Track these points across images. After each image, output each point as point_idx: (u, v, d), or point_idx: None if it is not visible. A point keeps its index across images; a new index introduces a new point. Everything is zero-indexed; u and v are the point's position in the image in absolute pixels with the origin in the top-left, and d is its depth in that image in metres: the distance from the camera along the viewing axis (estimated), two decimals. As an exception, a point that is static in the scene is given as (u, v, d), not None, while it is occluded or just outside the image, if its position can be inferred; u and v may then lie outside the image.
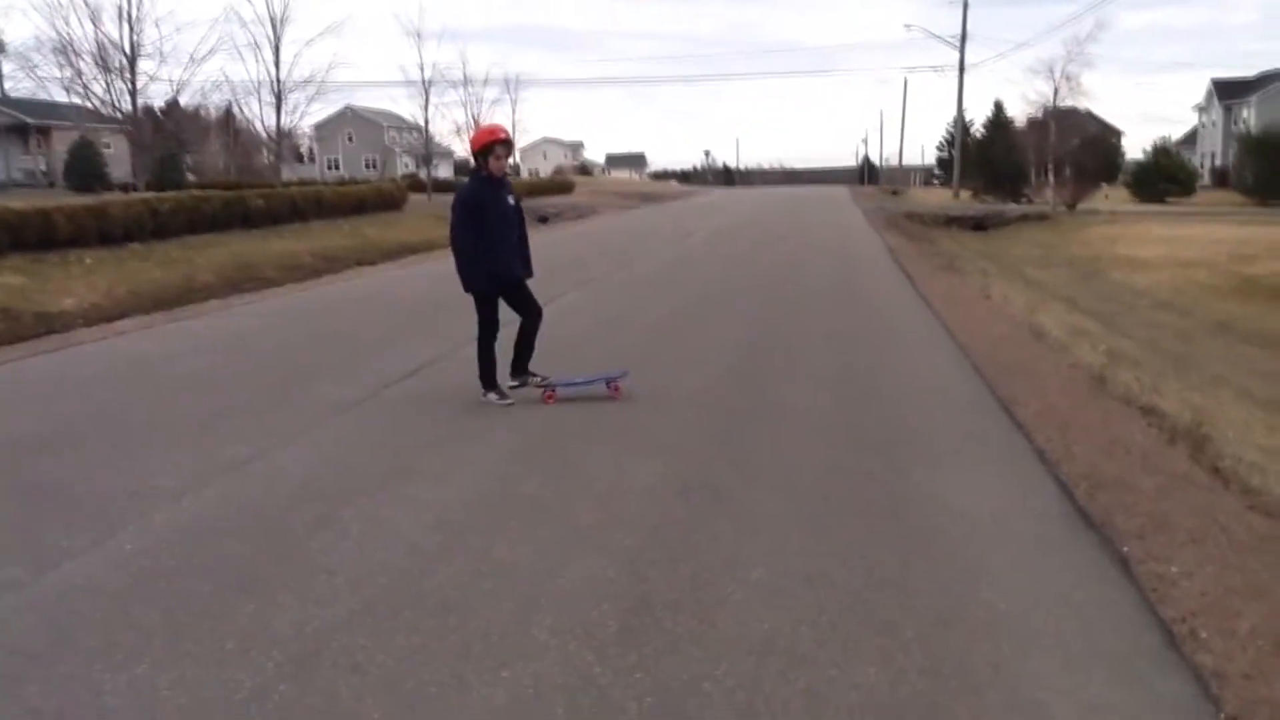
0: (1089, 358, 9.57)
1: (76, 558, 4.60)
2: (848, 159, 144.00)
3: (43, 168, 50.02)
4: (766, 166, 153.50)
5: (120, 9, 26.25)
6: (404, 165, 75.93)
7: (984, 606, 4.02)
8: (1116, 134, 69.98)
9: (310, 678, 3.47)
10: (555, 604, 4.04)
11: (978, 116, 66.44)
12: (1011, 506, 5.28)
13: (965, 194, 56.81)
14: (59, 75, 28.87)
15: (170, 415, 7.37)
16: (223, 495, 5.50)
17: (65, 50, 26.92)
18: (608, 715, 3.24)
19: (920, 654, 3.61)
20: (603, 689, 3.39)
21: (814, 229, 31.11)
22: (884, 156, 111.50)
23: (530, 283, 7.81)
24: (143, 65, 26.99)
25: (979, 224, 37.10)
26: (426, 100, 44.19)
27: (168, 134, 39.06)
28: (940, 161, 76.70)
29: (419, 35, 49.14)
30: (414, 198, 36.32)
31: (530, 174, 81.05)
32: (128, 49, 26.43)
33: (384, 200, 31.67)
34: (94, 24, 26.37)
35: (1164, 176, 51.69)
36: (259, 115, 41.60)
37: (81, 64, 26.96)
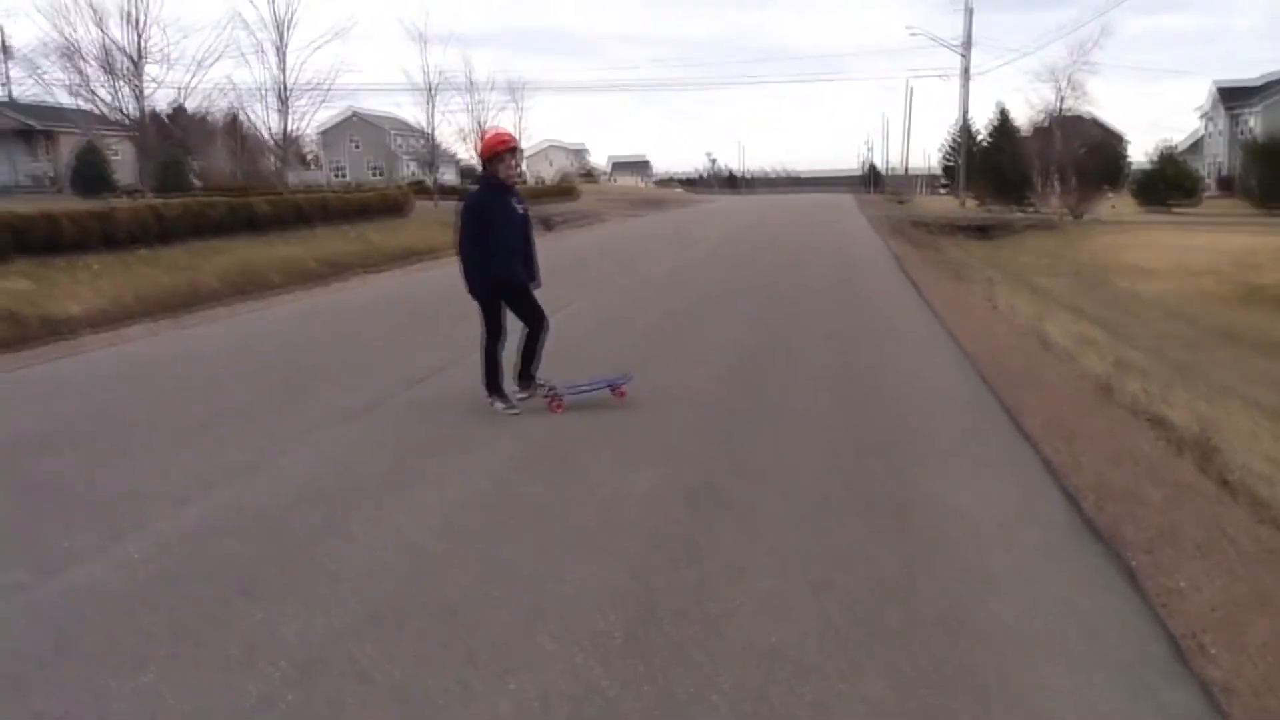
0: (1096, 367, 9.55)
1: (82, 562, 4.60)
2: (851, 162, 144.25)
3: (49, 172, 50.15)
4: (770, 172, 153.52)
5: (126, 13, 26.32)
6: (409, 170, 76.04)
7: (991, 617, 4.01)
8: (1121, 140, 69.92)
9: (316, 685, 3.46)
10: (561, 611, 4.03)
11: (982, 122, 66.31)
12: (1018, 517, 5.26)
13: (970, 201, 56.76)
14: (65, 80, 28.99)
15: (176, 420, 7.37)
16: (228, 500, 5.50)
17: (71, 55, 27.05)
18: (614, 726, 3.23)
19: (927, 664, 3.59)
20: (610, 700, 3.38)
21: (819, 236, 31.09)
22: (888, 163, 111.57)
23: (539, 287, 7.80)
24: (149, 70, 27.12)
25: (984, 232, 37.09)
26: (431, 105, 44.33)
27: (173, 139, 39.29)
28: (945, 168, 76.57)
29: (424, 40, 49.21)
30: (419, 203, 36.34)
31: (536, 180, 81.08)
32: (133, 53, 26.50)
33: (389, 205, 31.71)
34: (100, 28, 26.50)
35: (1169, 183, 51.61)
36: (264, 120, 41.77)
37: (87, 68, 27.11)
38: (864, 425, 7.24)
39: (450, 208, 33.53)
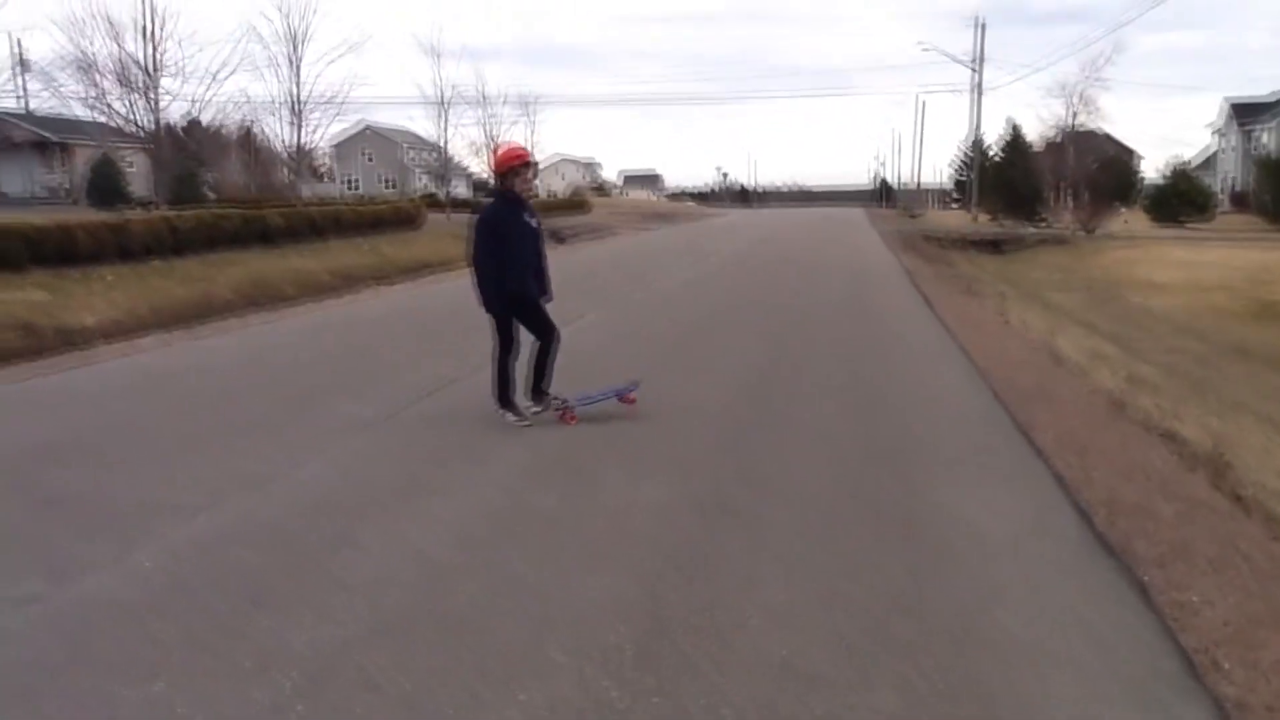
0: (1108, 382, 9.52)
1: (95, 571, 4.62)
2: (862, 177, 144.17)
3: (64, 184, 50.52)
4: (782, 186, 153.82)
5: (143, 28, 26.52)
6: (421, 183, 76.32)
7: (1002, 631, 4.00)
8: (1134, 156, 69.83)
9: (327, 696, 3.47)
10: (572, 624, 4.03)
11: (994, 138, 66.30)
12: (1030, 531, 5.24)
13: (982, 216, 56.71)
14: (81, 93, 29.21)
15: (189, 431, 7.40)
16: (241, 511, 5.52)
17: (88, 68, 27.24)
18: (624, 738, 3.23)
19: (938, 678, 3.58)
20: (620, 712, 3.37)
21: (831, 251, 31.09)
22: (899, 178, 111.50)
23: (551, 301, 7.82)
24: (164, 83, 27.32)
25: (997, 246, 37.04)
26: (444, 119, 44.47)
27: (188, 151, 39.47)
28: (957, 183, 76.57)
29: (437, 54, 49.34)
30: (431, 216, 36.47)
31: (548, 193, 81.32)
32: (149, 67, 26.70)
33: (402, 218, 31.85)
34: (117, 42, 26.69)
35: (1181, 199, 51.49)
36: (278, 133, 41.95)
37: (104, 82, 27.30)
38: (875, 438, 7.23)
39: (462, 220, 33.62)
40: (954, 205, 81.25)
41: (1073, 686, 3.56)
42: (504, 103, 51.65)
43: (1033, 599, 4.35)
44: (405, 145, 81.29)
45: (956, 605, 4.25)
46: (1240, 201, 58.64)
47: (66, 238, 16.83)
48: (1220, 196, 62.69)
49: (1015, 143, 60.70)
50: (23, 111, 45.58)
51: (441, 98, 43.75)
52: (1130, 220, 48.55)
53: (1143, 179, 64.30)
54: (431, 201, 45.09)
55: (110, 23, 26.88)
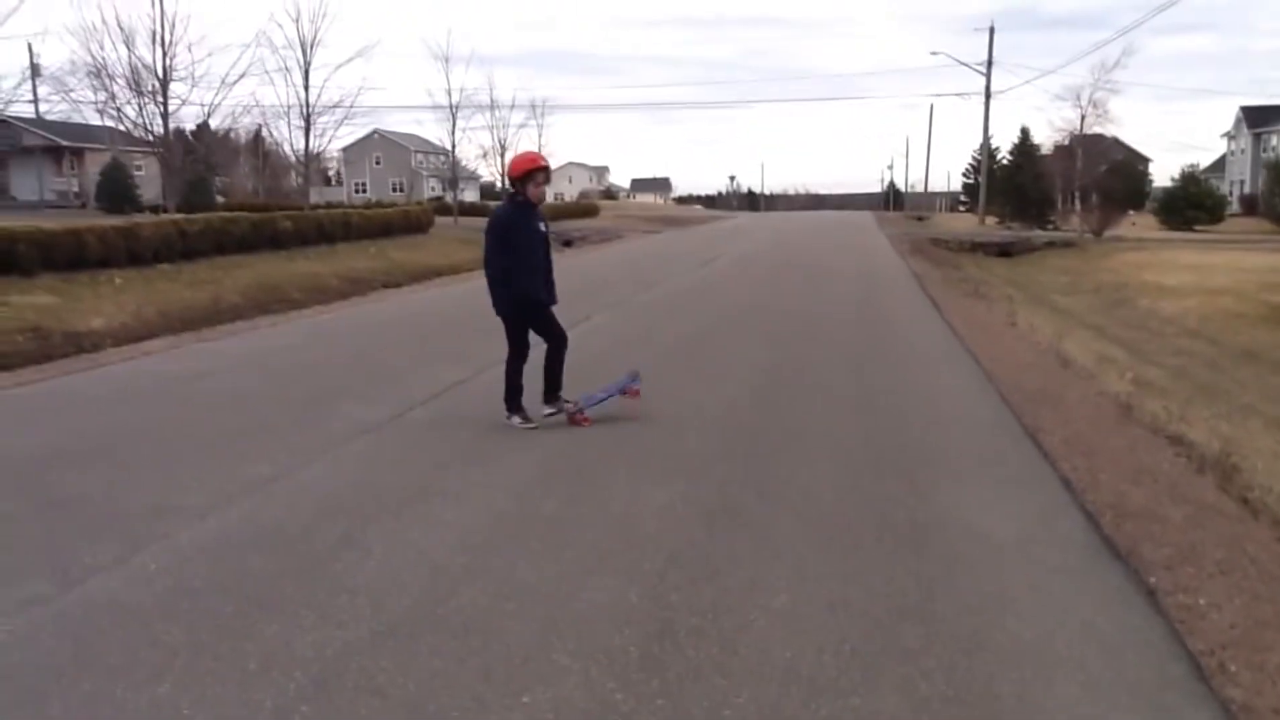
0: (1116, 385, 9.50)
1: (101, 574, 4.63)
2: (873, 184, 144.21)
3: (75, 189, 50.74)
4: (791, 191, 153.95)
5: (154, 34, 26.61)
6: (430, 188, 76.54)
7: (1008, 634, 3.98)
8: (1144, 161, 69.71)
9: (331, 699, 3.47)
10: (577, 627, 4.03)
11: (1004, 143, 66.41)
12: (1036, 534, 5.23)
13: (991, 220, 56.65)
14: (93, 98, 29.32)
15: (196, 434, 7.42)
16: (247, 514, 5.53)
17: (99, 74, 27.31)
18: (628, 741, 3.23)
19: (944, 682, 3.57)
20: (625, 715, 3.37)
21: (839, 254, 31.06)
22: (909, 182, 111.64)
23: (555, 305, 7.83)
24: (175, 89, 27.31)
25: (1005, 250, 36.93)
26: (454, 124, 44.54)
27: (198, 156, 39.56)
28: (966, 187, 76.55)
29: (447, 60, 49.20)
30: (440, 221, 36.53)
31: (556, 198, 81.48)
32: (160, 73, 26.76)
33: (410, 223, 31.88)
34: (128, 48, 26.74)
35: (1192, 203, 51.38)
36: (288, 138, 42.09)
37: (115, 87, 27.33)
38: (880, 440, 7.21)
39: (471, 225, 33.67)
40: (961, 208, 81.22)
41: (1079, 690, 3.55)
42: (513, 108, 51.87)
43: (1038, 602, 4.34)
44: (414, 150, 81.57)
45: (962, 608, 4.23)
46: (1251, 205, 58.49)
47: (76, 242, 16.87)
48: (1231, 200, 62.53)
49: (1024, 147, 60.68)
50: (34, 117, 45.78)
51: (451, 103, 43.86)
52: (1139, 224, 48.43)
53: (1152, 183, 64.21)
54: (440, 207, 45.20)
55: (123, 29, 27.00)
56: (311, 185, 43.44)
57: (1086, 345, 13.13)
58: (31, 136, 48.08)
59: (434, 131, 67.72)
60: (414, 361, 10.73)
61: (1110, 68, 50.96)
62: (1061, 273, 28.80)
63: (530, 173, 7.53)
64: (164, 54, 26.68)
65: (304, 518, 5.43)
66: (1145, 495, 5.79)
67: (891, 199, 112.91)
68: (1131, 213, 51.11)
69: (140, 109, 27.51)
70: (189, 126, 42.78)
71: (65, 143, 49.32)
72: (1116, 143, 58.51)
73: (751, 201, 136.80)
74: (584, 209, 63.59)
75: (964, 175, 76.71)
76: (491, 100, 47.52)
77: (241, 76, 48.69)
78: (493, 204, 44.80)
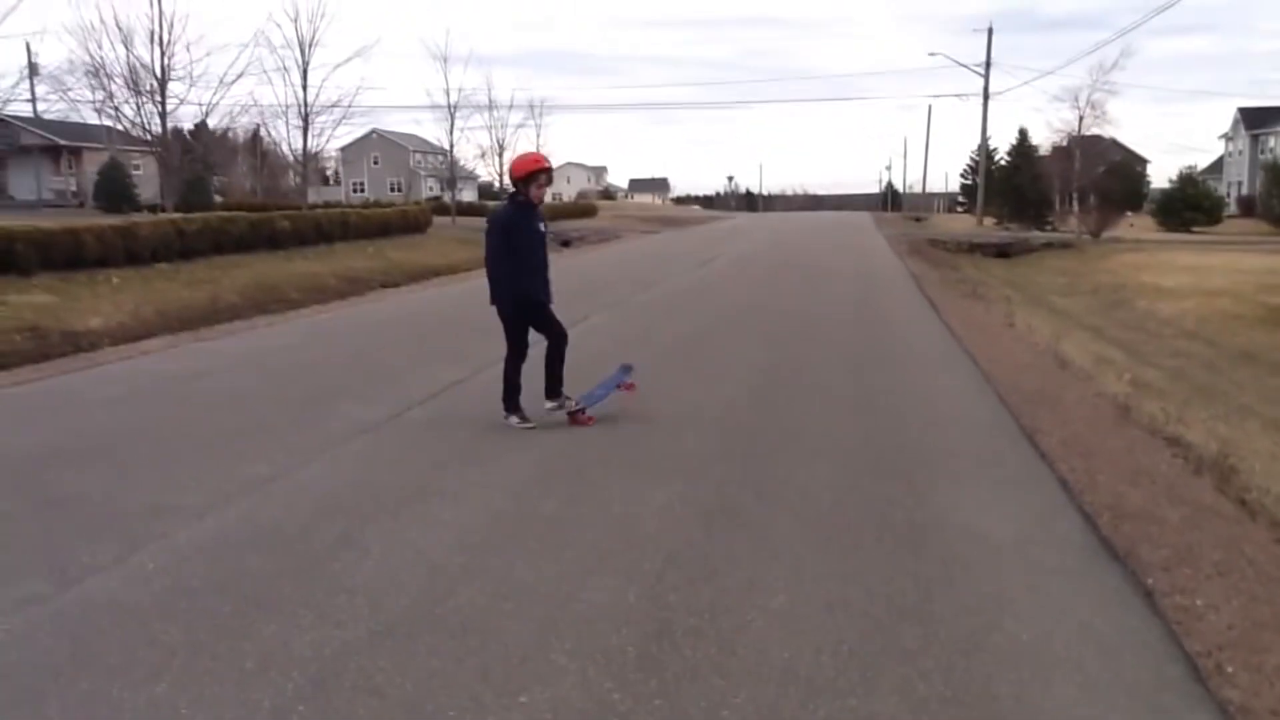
0: (1114, 387, 9.51)
1: (99, 573, 4.63)
2: (871, 184, 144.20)
3: (73, 188, 50.70)
4: (789, 192, 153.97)
5: (152, 33, 26.59)
6: (428, 188, 76.51)
7: (1006, 635, 3.99)
8: (1142, 162, 69.78)
9: (329, 699, 3.47)
10: (575, 628, 4.03)
11: (1002, 144, 66.34)
12: (1034, 535, 5.23)
13: (989, 221, 56.67)
14: (91, 98, 29.31)
15: (194, 433, 7.42)
16: (244, 513, 5.53)
17: (97, 73, 27.29)
18: (626, 741, 3.23)
19: (941, 683, 3.57)
20: (622, 715, 3.37)
21: (837, 254, 31.06)
22: (907, 183, 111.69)
23: (553, 305, 7.84)
24: (173, 88, 27.29)
25: (1003, 251, 36.96)
26: (452, 124, 44.53)
27: (196, 156, 39.57)
28: (964, 188, 76.58)
29: (445, 60, 49.14)
30: (438, 220, 36.52)
31: (554, 198, 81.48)
32: (159, 72, 26.75)
33: (408, 223, 31.86)
34: (126, 47, 26.73)
35: (1189, 205, 51.43)
36: (286, 137, 42.21)
37: (113, 86, 27.32)
38: (878, 441, 7.21)
39: (469, 225, 33.64)
40: (959, 209, 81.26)
41: (1076, 691, 3.55)
42: (511, 108, 51.86)
43: (1036, 603, 4.34)
44: (413, 150, 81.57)
45: (960, 609, 4.24)
46: (1248, 207, 58.56)
47: (74, 241, 16.85)
48: (1229, 202, 62.60)
49: (1022, 148, 60.72)
50: (32, 116, 45.75)
51: (449, 103, 43.85)
52: (1137, 225, 48.49)
53: (1150, 184, 64.27)
54: (438, 206, 45.19)
55: (121, 29, 26.98)
56: (309, 185, 43.45)
57: (1084, 346, 13.14)
58: (29, 136, 48.05)
59: (432, 131, 67.67)
60: (412, 361, 10.72)
61: (1108, 69, 50.88)
62: (1059, 274, 28.82)
63: (533, 174, 7.54)
64: (162, 53, 26.69)
65: (302, 517, 5.43)
66: (1143, 496, 5.80)
67: (889, 200, 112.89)
68: (1129, 214, 51.16)
69: (138, 108, 27.52)
70: (187, 126, 42.89)
71: (63, 142, 49.27)
72: (1114, 144, 58.57)
73: (749, 202, 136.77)
74: (582, 209, 63.57)
75: (962, 176, 76.73)
76: (490, 100, 47.53)
77: (240, 76, 48.74)
78: (491, 204, 44.88)
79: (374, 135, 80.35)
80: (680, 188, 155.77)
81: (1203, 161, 71.21)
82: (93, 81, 27.85)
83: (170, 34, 26.69)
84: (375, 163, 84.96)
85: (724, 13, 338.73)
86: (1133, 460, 6.67)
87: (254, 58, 42.45)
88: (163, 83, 26.86)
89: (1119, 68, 61.18)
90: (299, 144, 36.23)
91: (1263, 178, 54.25)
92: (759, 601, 4.30)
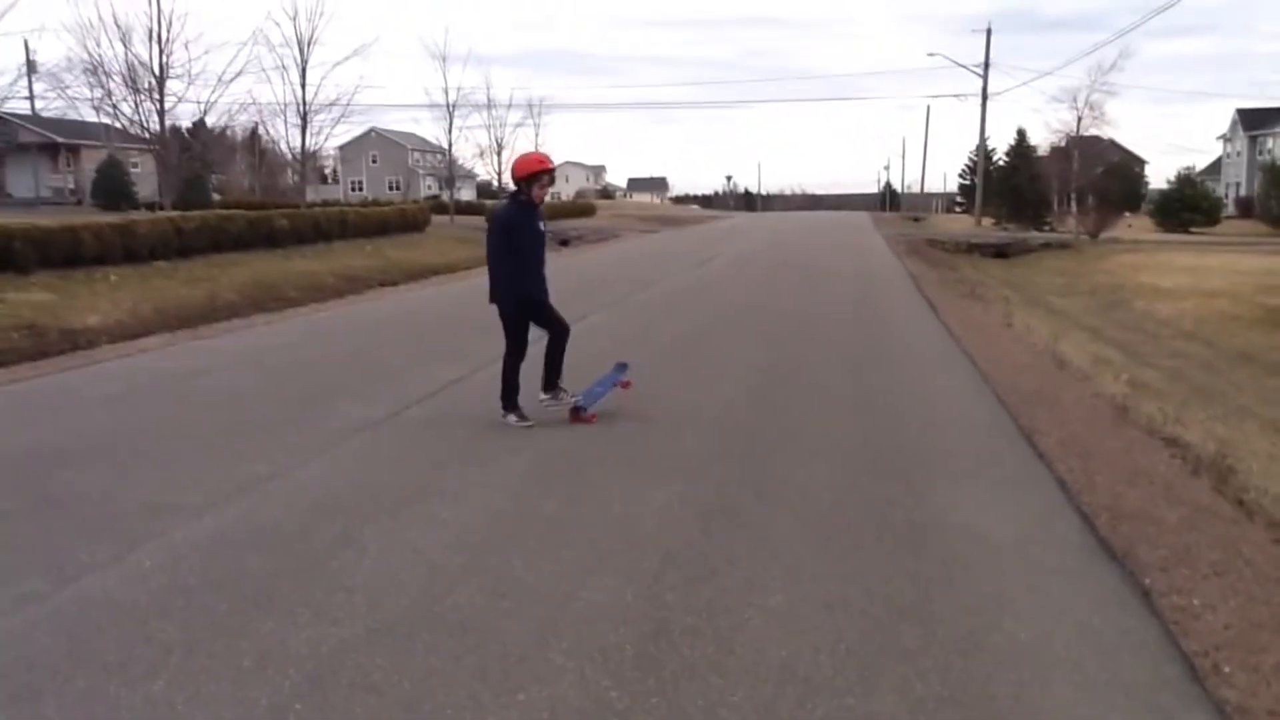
0: (1112, 387, 9.52)
1: (96, 572, 4.63)
2: (869, 184, 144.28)
3: (71, 186, 50.68)
4: (788, 191, 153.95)
5: (151, 31, 26.57)
6: (427, 187, 76.50)
7: (1005, 635, 3.99)
8: (1140, 163, 69.85)
9: (327, 697, 3.47)
10: (573, 627, 4.03)
11: (1001, 144, 66.38)
12: (1033, 535, 5.24)
13: (987, 221, 56.70)
14: (89, 95, 29.29)
15: (192, 432, 7.41)
16: (243, 512, 5.53)
17: (96, 71, 27.27)
18: (624, 740, 3.23)
19: (940, 682, 3.58)
20: (620, 714, 3.37)
21: (835, 254, 31.05)
22: (905, 183, 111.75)
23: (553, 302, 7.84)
24: (171, 86, 27.25)
25: (1001, 251, 36.97)
26: (450, 123, 44.55)
27: (194, 154, 39.51)
28: (962, 188, 76.61)
29: (444, 59, 49.21)
30: (437, 219, 36.51)
31: (553, 197, 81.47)
32: (157, 70, 26.72)
33: (407, 222, 31.84)
34: (125, 45, 26.71)
35: (1187, 206, 51.49)
36: (284, 136, 42.19)
37: (111, 84, 27.30)
38: (877, 441, 7.22)
39: (467, 224, 33.60)
40: (957, 209, 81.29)
41: (1075, 691, 3.56)
42: (510, 107, 51.92)
43: (1035, 603, 4.34)
44: (411, 149, 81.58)
45: (958, 609, 4.24)
46: (1246, 208, 58.61)
47: (72, 239, 16.83)
48: (1227, 203, 62.65)
49: (1021, 148, 60.76)
50: (30, 114, 45.73)
51: (448, 102, 43.85)
52: (1135, 226, 48.52)
53: (1148, 185, 64.33)
54: (437, 205, 45.18)
55: (120, 26, 26.98)
56: (308, 183, 43.40)
57: (1082, 347, 13.14)
58: (27, 133, 47.98)
59: (431, 130, 67.93)
60: (410, 360, 10.71)
61: (1107, 70, 50.81)
62: (1057, 274, 28.82)
63: (536, 174, 7.55)
64: (160, 51, 26.66)
65: (300, 516, 5.43)
66: (1141, 497, 5.80)
67: (888, 200, 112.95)
68: (1127, 215, 51.21)
69: (137, 106, 27.51)
70: (185, 124, 42.83)
71: (61, 140, 49.21)
72: (1113, 145, 58.59)
73: (748, 201, 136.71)
74: (581, 208, 63.57)
75: (960, 176, 76.75)
76: (489, 99, 47.63)
77: (238, 74, 48.14)
78: (489, 203, 44.91)
79: (372, 134, 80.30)
80: (679, 187, 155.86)
81: (1201, 162, 71.36)
82: (91, 79, 27.86)
83: (169, 32, 26.68)
84: (374, 161, 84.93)
85: (724, 13, 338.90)
86: (1131, 461, 6.68)
87: (252, 56, 42.74)
88: (161, 81, 26.84)
89: (1117, 68, 61.21)
90: (297, 142, 36.26)
91: (1261, 179, 54.32)
92: (757, 601, 4.30)
